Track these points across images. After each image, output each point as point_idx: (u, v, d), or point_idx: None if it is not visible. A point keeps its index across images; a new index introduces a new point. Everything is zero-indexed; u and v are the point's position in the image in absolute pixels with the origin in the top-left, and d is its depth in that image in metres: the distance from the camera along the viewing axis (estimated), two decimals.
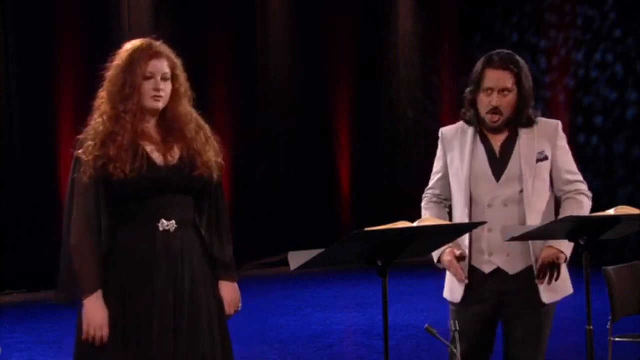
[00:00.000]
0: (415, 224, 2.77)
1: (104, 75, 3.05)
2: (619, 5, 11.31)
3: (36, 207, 9.30)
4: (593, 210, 3.41)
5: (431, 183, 3.51)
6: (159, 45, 3.05)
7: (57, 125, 9.39)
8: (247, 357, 5.98)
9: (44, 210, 9.30)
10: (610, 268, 4.37)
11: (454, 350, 3.05)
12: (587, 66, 11.57)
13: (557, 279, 3.28)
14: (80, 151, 2.98)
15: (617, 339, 4.39)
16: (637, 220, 3.24)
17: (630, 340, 4.57)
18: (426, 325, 3.27)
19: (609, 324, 4.32)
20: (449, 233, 2.95)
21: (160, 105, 3.01)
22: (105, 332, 2.91)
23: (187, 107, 3.07)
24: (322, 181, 11.48)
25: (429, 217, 3.37)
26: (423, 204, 3.52)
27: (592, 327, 3.23)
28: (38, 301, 8.58)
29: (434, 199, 3.48)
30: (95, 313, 2.91)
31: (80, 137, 3.02)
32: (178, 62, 3.06)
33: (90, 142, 2.97)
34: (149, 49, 3.01)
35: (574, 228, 3.16)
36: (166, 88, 3.01)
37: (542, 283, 3.28)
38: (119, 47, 3.09)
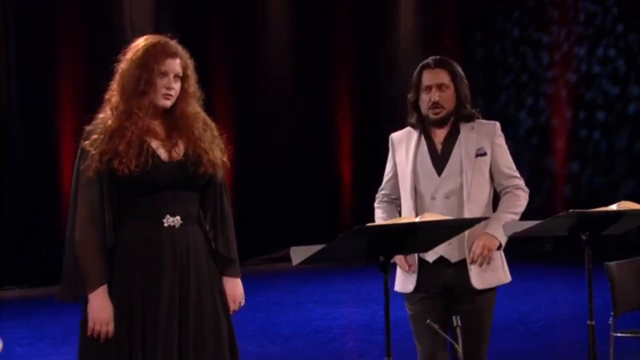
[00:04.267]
0: (416, 220, 2.77)
1: (115, 68, 3.03)
2: (621, 0, 11.30)
3: (38, 203, 9.31)
4: (594, 205, 3.43)
5: (382, 184, 3.76)
6: (175, 44, 3.05)
7: (58, 120, 9.40)
8: (248, 352, 5.98)
9: (46, 205, 9.31)
10: (612, 263, 4.37)
11: (456, 346, 3.06)
12: (589, 61, 11.56)
13: (488, 263, 3.46)
14: (86, 142, 2.97)
15: (618, 334, 4.39)
16: (639, 216, 3.24)
17: (632, 335, 4.57)
18: (427, 321, 3.28)
19: (610, 319, 4.31)
20: (450, 228, 2.95)
21: (169, 103, 3.01)
22: (110, 327, 2.91)
23: (195, 107, 3.07)
24: (323, 178, 11.48)
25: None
26: (375, 204, 3.76)
27: (593, 322, 3.23)
28: (40, 296, 8.59)
29: (385, 198, 3.74)
30: (100, 309, 2.90)
31: (88, 127, 3.01)
32: (190, 63, 3.07)
33: (97, 135, 2.95)
34: (166, 48, 3.01)
35: (576, 223, 3.16)
36: (176, 87, 3.02)
37: (472, 263, 3.46)
38: (120, 45, 3.08)
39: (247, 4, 10.97)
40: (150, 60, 2.97)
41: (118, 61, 3.03)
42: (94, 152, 2.93)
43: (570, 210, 3.17)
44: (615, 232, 3.28)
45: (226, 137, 3.16)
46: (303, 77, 11.40)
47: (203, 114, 3.11)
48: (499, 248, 3.49)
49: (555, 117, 11.88)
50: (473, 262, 3.45)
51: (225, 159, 3.09)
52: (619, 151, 11.35)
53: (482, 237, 3.44)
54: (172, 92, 3.00)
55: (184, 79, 3.03)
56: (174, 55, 3.00)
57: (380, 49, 11.99)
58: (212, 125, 3.12)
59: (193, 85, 3.06)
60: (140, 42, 3.02)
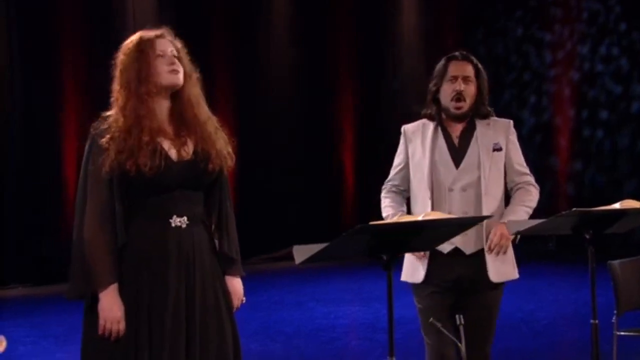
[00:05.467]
0: (420, 218, 2.77)
1: (112, 74, 3.02)
2: None
3: (41, 200, 9.31)
4: (597, 204, 3.43)
5: (390, 175, 3.75)
6: (160, 29, 3.07)
7: (59, 120, 9.39)
8: (250, 351, 5.97)
9: (49, 203, 9.30)
10: (615, 262, 4.36)
11: (459, 344, 3.05)
12: (592, 60, 11.54)
13: (504, 252, 3.50)
14: (97, 141, 2.94)
15: (621, 333, 4.38)
16: None
17: (635, 334, 4.55)
18: (430, 319, 3.27)
19: (613, 318, 4.31)
20: (453, 226, 2.94)
21: (179, 78, 2.99)
22: (121, 326, 2.90)
23: (197, 88, 3.08)
24: (323, 178, 11.48)
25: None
26: (382, 194, 3.74)
27: (597, 321, 3.22)
28: (43, 295, 8.59)
29: (393, 189, 3.73)
30: (111, 307, 2.90)
31: (98, 127, 2.99)
32: (179, 44, 3.07)
33: (109, 135, 2.94)
34: (151, 32, 3.03)
35: (579, 222, 3.16)
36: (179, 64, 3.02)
37: (490, 253, 3.48)
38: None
39: (247, 4, 10.97)
40: (143, 47, 2.99)
41: (114, 66, 3.03)
42: (105, 151, 2.92)
43: (573, 209, 3.16)
44: (618, 230, 3.28)
45: (227, 134, 3.15)
46: (303, 77, 11.39)
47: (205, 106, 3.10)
48: (514, 239, 3.53)
49: (558, 115, 11.87)
50: (490, 250, 3.47)
51: (230, 149, 3.09)
52: (621, 149, 11.34)
53: (498, 226, 3.47)
54: (178, 68, 2.99)
55: (179, 60, 3.03)
56: (161, 35, 3.03)
57: (380, 49, 11.98)
58: (214, 117, 3.12)
59: (188, 65, 3.07)
60: (129, 40, 3.05)
